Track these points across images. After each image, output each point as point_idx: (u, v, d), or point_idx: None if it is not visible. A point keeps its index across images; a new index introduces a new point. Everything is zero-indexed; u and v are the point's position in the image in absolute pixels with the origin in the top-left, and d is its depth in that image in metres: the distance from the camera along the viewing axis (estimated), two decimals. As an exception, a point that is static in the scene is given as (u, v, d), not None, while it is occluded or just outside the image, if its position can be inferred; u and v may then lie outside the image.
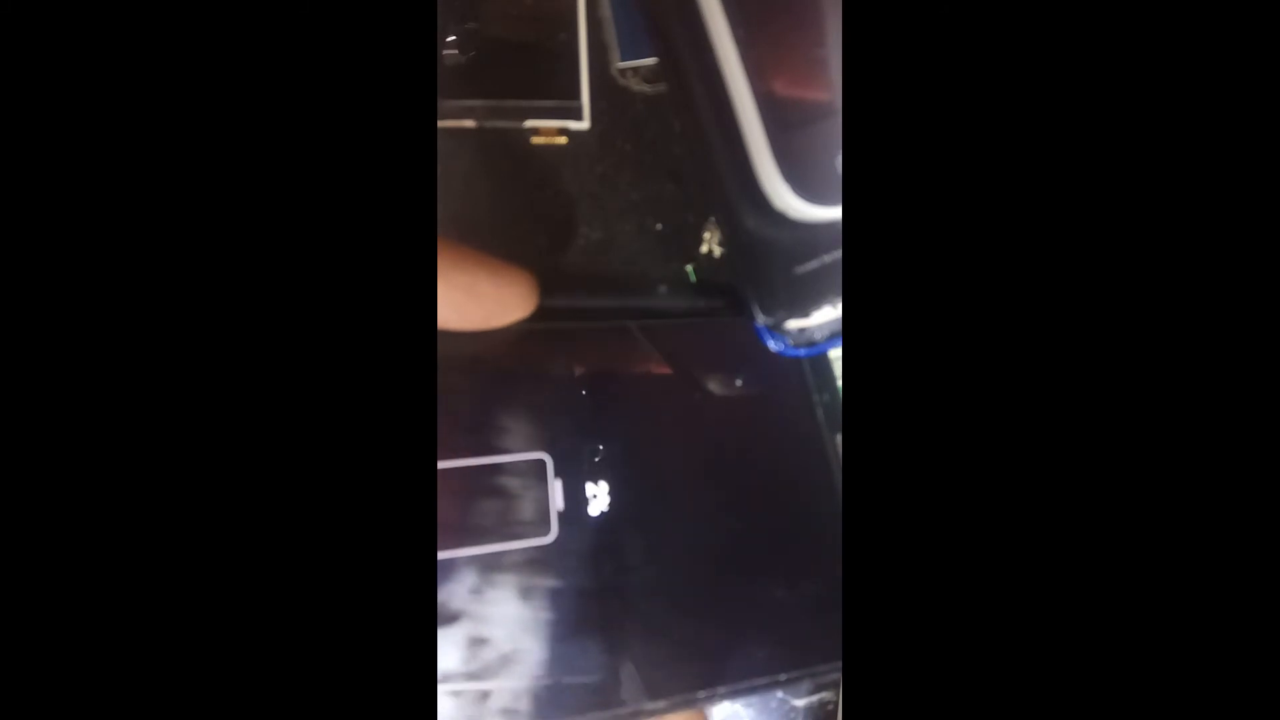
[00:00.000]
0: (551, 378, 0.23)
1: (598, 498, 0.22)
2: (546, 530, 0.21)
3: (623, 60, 0.26)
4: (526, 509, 0.21)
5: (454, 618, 0.20)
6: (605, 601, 0.21)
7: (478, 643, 0.20)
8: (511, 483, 0.22)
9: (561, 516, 0.22)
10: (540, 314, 0.22)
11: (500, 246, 0.25)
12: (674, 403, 0.24)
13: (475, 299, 0.20)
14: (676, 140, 0.26)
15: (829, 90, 0.19)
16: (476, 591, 0.20)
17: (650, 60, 0.26)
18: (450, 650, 0.20)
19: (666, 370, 0.24)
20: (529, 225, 0.26)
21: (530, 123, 0.26)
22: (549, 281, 0.25)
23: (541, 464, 0.22)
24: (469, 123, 0.25)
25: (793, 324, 0.22)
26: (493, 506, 0.21)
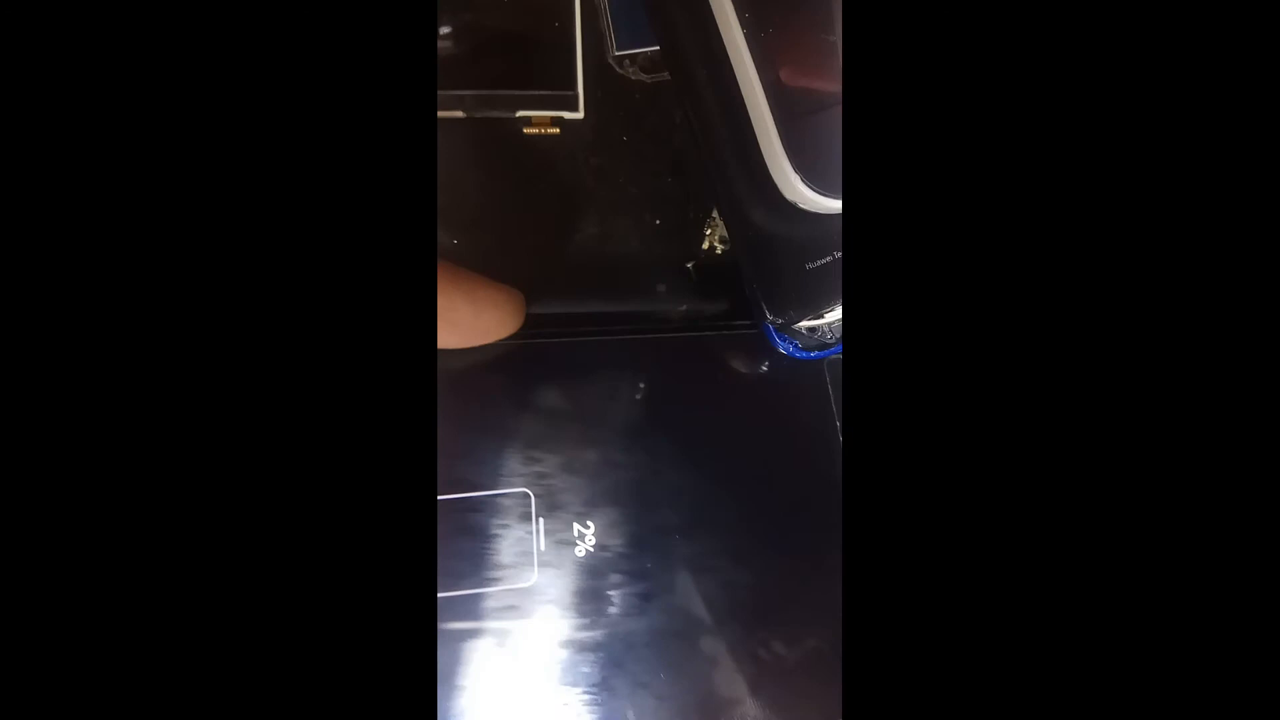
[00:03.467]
0: (536, 401, 0.21)
1: (585, 539, 0.20)
2: (529, 574, 0.20)
3: (619, 48, 0.25)
4: (506, 549, 0.20)
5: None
6: (590, 652, 0.20)
7: (455, 691, 0.19)
8: (490, 520, 0.20)
9: (543, 558, 0.20)
10: (530, 323, 0.20)
11: (489, 242, 0.24)
12: (673, 430, 0.22)
13: (449, 324, 0.19)
14: (677, 131, 0.25)
15: (840, 77, 0.18)
16: (453, 636, 0.19)
17: (648, 48, 0.25)
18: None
19: (667, 390, 0.22)
20: (520, 220, 0.25)
21: (523, 113, 0.25)
22: (538, 280, 0.24)
23: (525, 498, 0.20)
24: (458, 113, 0.24)
25: (803, 325, 0.21)
26: (470, 546, 0.20)
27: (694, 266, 0.25)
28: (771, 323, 0.21)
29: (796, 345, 0.22)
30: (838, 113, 0.18)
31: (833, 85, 0.18)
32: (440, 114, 0.24)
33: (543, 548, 0.20)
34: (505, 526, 0.20)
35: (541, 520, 0.20)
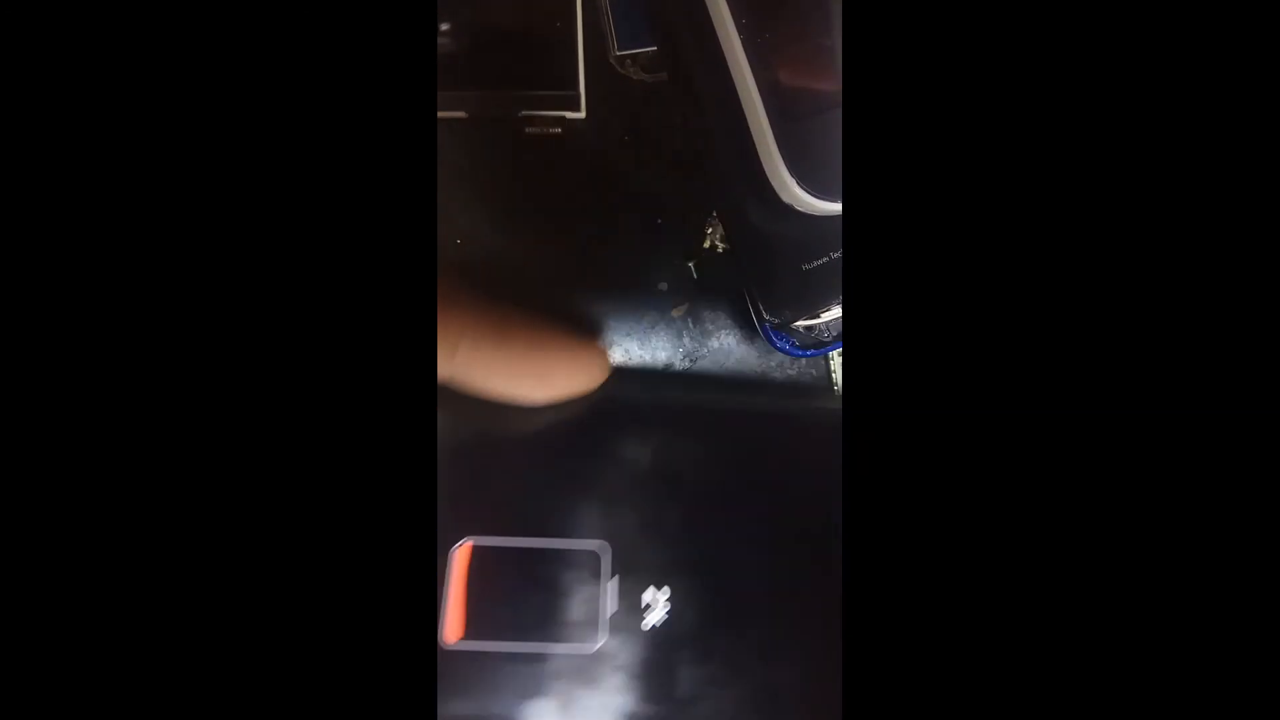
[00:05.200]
0: (620, 454, 0.20)
1: (653, 608, 0.19)
2: (594, 637, 0.19)
3: (621, 48, 0.25)
4: (575, 608, 0.19)
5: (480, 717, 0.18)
6: None
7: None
8: (563, 574, 0.19)
9: (614, 622, 0.19)
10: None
11: (492, 241, 0.24)
12: (761, 501, 0.20)
13: (543, 382, 0.20)
14: (677, 131, 0.25)
15: (836, 80, 0.19)
16: (514, 692, 0.18)
17: (650, 48, 0.25)
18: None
19: (758, 456, 0.21)
20: (522, 220, 0.25)
21: (525, 112, 0.25)
22: (542, 280, 0.24)
23: (595, 556, 0.19)
24: (461, 114, 0.24)
25: (800, 324, 0.21)
26: (538, 599, 0.19)
27: (695, 265, 0.25)
28: (769, 322, 0.21)
29: (793, 343, 0.22)
30: (833, 116, 0.18)
31: (828, 89, 0.19)
32: (441, 114, 0.24)
33: (613, 609, 0.19)
34: (579, 581, 0.19)
35: (615, 579, 0.19)
